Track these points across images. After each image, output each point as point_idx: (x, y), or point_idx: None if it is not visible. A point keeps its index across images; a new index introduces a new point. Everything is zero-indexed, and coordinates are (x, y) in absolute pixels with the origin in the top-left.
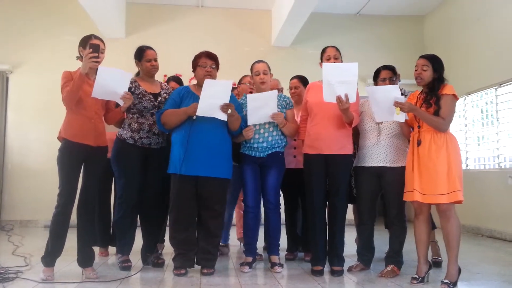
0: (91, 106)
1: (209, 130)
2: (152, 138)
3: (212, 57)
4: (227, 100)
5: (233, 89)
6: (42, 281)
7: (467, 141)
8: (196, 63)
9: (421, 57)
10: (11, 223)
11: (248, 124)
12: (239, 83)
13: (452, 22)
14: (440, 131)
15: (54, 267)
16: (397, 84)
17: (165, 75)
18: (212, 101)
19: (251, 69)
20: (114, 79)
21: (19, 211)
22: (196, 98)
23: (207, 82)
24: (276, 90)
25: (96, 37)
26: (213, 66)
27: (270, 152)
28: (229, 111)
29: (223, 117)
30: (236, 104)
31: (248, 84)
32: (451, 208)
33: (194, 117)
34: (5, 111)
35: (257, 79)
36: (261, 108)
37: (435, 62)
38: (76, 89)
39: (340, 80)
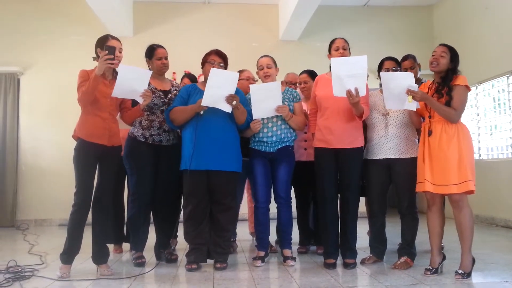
0: (106, 107)
1: (216, 125)
2: (163, 135)
3: (221, 56)
4: (232, 92)
5: None
6: (58, 279)
7: (479, 130)
8: (205, 59)
9: (442, 44)
10: (26, 222)
11: (253, 118)
12: None
13: (461, 11)
14: (451, 122)
15: None
16: (418, 73)
17: (173, 72)
18: (217, 91)
19: (256, 64)
20: (134, 77)
21: (34, 210)
22: (203, 94)
23: (214, 71)
24: (280, 81)
25: (113, 38)
26: (222, 64)
27: (279, 146)
28: (234, 102)
29: (227, 108)
30: (242, 98)
31: (246, 80)
32: (464, 198)
33: (201, 113)
34: (18, 113)
35: (261, 73)
36: (265, 100)
37: (453, 53)
38: (92, 90)
39: (350, 74)
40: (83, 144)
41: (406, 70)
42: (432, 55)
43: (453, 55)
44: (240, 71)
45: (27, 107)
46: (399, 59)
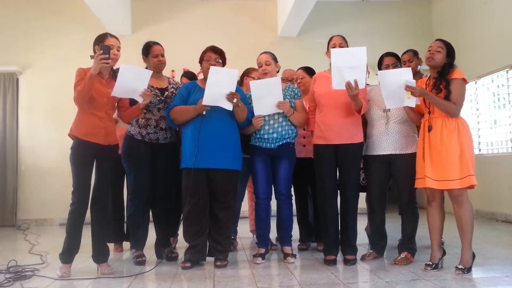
0: (102, 105)
1: (218, 123)
2: (160, 133)
3: (217, 51)
4: (233, 89)
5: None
6: (59, 278)
7: (479, 125)
8: (202, 57)
9: (438, 39)
10: (27, 222)
11: (255, 114)
12: (245, 74)
13: (459, 6)
14: (451, 116)
15: None
16: (419, 68)
17: (172, 70)
18: (217, 89)
19: (256, 61)
20: (134, 77)
21: (34, 210)
22: (203, 92)
23: (213, 69)
24: (279, 77)
25: (112, 36)
26: (218, 60)
27: (280, 143)
28: (235, 100)
29: (228, 106)
30: (242, 96)
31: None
32: (464, 193)
33: (204, 113)
34: (17, 113)
35: (260, 70)
36: (266, 96)
37: (450, 48)
38: (87, 89)
39: (349, 66)
40: (79, 142)
41: (404, 63)
42: (428, 50)
43: (449, 50)
44: (251, 69)
45: (26, 107)
46: (399, 54)
